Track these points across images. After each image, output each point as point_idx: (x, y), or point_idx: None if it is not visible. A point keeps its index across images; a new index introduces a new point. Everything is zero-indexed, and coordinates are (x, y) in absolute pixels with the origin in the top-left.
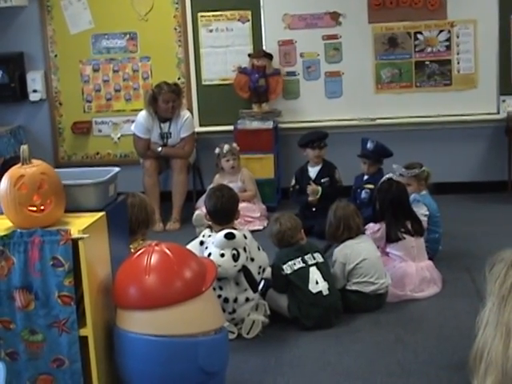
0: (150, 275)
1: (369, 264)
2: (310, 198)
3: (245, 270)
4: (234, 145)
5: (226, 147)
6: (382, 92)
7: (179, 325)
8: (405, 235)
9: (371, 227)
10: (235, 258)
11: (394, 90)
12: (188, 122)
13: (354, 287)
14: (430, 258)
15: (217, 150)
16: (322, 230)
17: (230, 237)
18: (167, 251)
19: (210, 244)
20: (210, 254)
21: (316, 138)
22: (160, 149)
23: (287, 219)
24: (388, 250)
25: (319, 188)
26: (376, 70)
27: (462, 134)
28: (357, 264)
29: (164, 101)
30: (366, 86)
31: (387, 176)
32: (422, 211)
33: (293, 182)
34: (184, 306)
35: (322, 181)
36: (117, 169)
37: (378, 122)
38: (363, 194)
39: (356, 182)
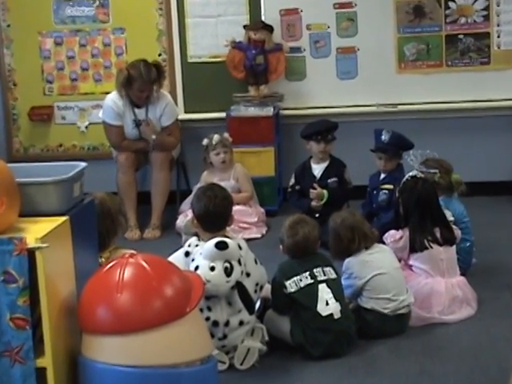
0: (122, 293)
1: (386, 278)
2: (314, 203)
3: (239, 286)
4: (226, 135)
5: (216, 138)
6: (405, 72)
7: (158, 353)
8: (432, 244)
9: (392, 235)
10: (228, 272)
11: (420, 69)
12: (170, 107)
13: (369, 304)
14: (462, 274)
15: (205, 142)
16: (328, 239)
17: (221, 247)
18: (144, 264)
19: (198, 255)
20: (197, 268)
21: (323, 128)
22: (154, 137)
23: (307, 227)
24: (411, 262)
25: (325, 192)
26: (398, 45)
27: (502, 124)
28: (370, 278)
29: (138, 89)
30: (387, 65)
31: (411, 173)
32: None
33: (292, 181)
34: (164, 331)
35: (329, 181)
36: (83, 164)
37: (401, 108)
38: (381, 196)
39: (371, 182)
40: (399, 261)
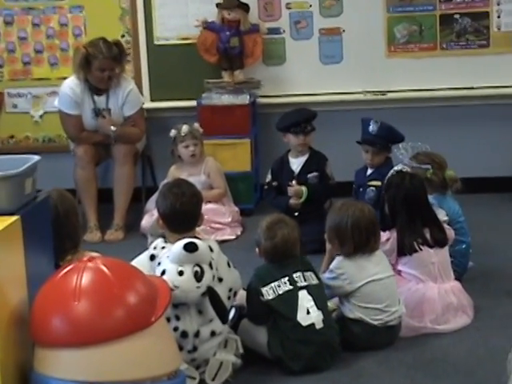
0: (80, 301)
1: (379, 286)
2: (292, 201)
3: (211, 293)
4: (196, 125)
5: (185, 128)
6: (395, 56)
7: (120, 368)
8: (422, 246)
9: None
10: (198, 276)
11: (412, 53)
12: (133, 95)
13: (356, 314)
14: (456, 278)
15: (172, 133)
16: (308, 241)
17: (191, 249)
18: (104, 269)
19: (164, 258)
20: (163, 272)
21: (301, 119)
22: (114, 128)
23: (286, 228)
24: (400, 267)
25: (304, 189)
26: (388, 26)
27: (502, 113)
28: (363, 285)
29: (99, 68)
30: (375, 49)
31: (396, 168)
32: (438, 217)
33: (268, 177)
34: (126, 343)
35: (309, 176)
36: (36, 157)
37: (390, 96)
38: (368, 194)
39: (357, 178)
40: None
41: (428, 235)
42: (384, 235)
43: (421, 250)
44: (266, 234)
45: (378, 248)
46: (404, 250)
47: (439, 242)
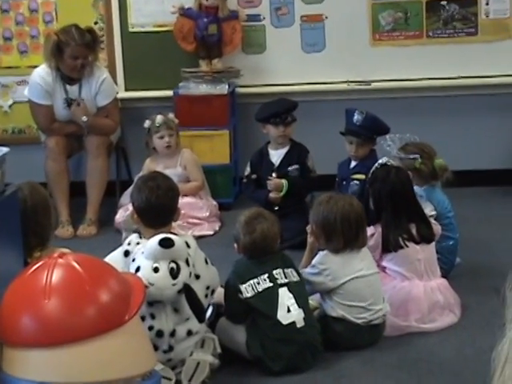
0: (50, 299)
1: (363, 283)
2: (272, 195)
3: (187, 290)
4: (171, 115)
5: (159, 119)
6: (380, 44)
7: (92, 368)
8: (408, 242)
9: None
10: (174, 273)
11: (398, 41)
12: (107, 84)
13: (339, 312)
14: (443, 275)
15: (146, 124)
16: (287, 237)
17: (166, 244)
18: (75, 265)
19: (139, 255)
20: (138, 269)
21: (281, 109)
22: (85, 118)
23: (265, 222)
24: (384, 263)
25: (284, 182)
26: (372, 13)
27: (491, 104)
28: (347, 281)
29: (72, 56)
30: (359, 36)
31: (381, 161)
32: (425, 211)
33: (247, 170)
34: (99, 343)
35: (289, 169)
36: (5, 149)
37: (375, 86)
38: (351, 187)
39: (341, 171)
40: None
41: (414, 231)
42: (368, 230)
43: (407, 246)
44: (244, 229)
45: (366, 244)
46: (389, 246)
47: (425, 238)
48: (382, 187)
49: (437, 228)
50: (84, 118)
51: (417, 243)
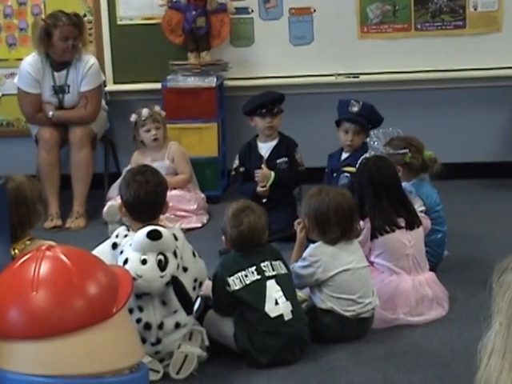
0: (38, 291)
1: (353, 276)
2: (260, 187)
3: (175, 282)
4: (157, 108)
5: (145, 112)
6: (368, 37)
7: (79, 361)
8: (394, 228)
9: None
10: (162, 265)
11: (386, 34)
12: (93, 70)
13: (328, 304)
14: (431, 268)
15: (133, 117)
16: (275, 229)
17: (154, 236)
18: (63, 258)
19: (127, 247)
20: (126, 261)
21: (266, 100)
22: (51, 113)
23: (253, 215)
24: (373, 258)
25: (271, 172)
26: (360, 5)
27: (480, 96)
28: (337, 273)
29: (62, 37)
30: (347, 29)
31: (367, 155)
32: (415, 207)
33: (236, 162)
34: (86, 335)
35: (278, 162)
36: None
37: (363, 78)
38: (342, 180)
39: (331, 163)
40: None
41: (397, 218)
42: None
43: (393, 231)
44: (231, 222)
45: (359, 234)
46: (374, 231)
47: (410, 223)
48: (361, 176)
49: (427, 222)
50: (50, 113)
51: (400, 228)
